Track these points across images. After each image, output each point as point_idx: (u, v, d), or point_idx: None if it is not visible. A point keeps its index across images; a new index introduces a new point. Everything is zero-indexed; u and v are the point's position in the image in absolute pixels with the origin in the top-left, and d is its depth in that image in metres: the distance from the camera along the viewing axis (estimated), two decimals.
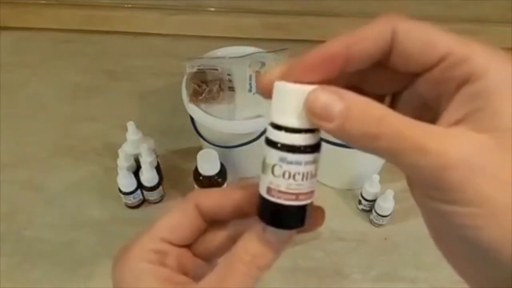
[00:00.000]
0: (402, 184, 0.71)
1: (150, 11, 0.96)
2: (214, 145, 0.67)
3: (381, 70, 0.23)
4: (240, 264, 0.24)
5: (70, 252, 0.67)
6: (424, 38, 0.21)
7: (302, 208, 0.24)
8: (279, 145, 0.22)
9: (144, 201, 0.72)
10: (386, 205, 0.66)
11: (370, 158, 0.69)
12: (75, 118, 0.83)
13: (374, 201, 0.68)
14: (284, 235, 0.25)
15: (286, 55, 0.69)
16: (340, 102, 0.20)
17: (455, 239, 0.20)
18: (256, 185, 0.24)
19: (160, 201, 0.72)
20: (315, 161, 0.23)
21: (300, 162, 0.22)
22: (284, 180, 0.23)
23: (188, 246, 0.28)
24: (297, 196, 0.23)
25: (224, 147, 0.66)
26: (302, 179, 0.23)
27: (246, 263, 0.24)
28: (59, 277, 0.64)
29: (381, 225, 0.69)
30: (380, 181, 0.67)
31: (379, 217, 0.68)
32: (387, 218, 0.68)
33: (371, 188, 0.67)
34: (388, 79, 0.24)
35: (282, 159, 0.22)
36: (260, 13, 0.94)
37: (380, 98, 0.24)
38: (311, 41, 0.97)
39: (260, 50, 0.72)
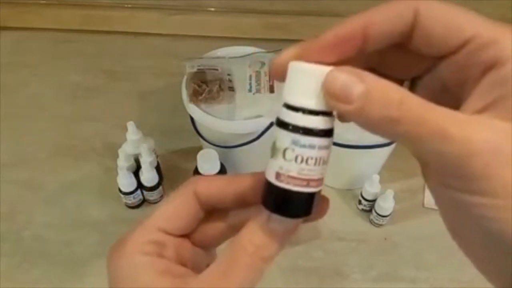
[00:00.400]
0: (402, 184, 0.71)
1: (150, 11, 0.96)
2: (214, 145, 0.67)
3: (402, 53, 0.22)
4: (244, 255, 0.23)
5: (70, 252, 0.67)
6: (448, 19, 0.20)
7: (311, 196, 0.22)
8: (291, 127, 0.21)
9: (144, 201, 0.72)
10: (386, 205, 0.66)
11: (370, 158, 0.69)
12: (75, 118, 0.83)
13: (374, 201, 0.68)
14: (290, 224, 0.23)
15: None
16: (360, 84, 0.19)
17: (475, 231, 0.19)
18: (261, 173, 0.23)
19: (160, 201, 0.72)
20: (328, 147, 0.22)
21: (314, 146, 0.21)
22: (296, 164, 0.21)
23: (186, 236, 0.26)
24: (308, 182, 0.22)
25: (224, 147, 0.66)
26: (315, 164, 0.21)
27: (250, 254, 0.23)
28: (59, 277, 0.64)
29: (381, 225, 0.69)
30: (380, 181, 0.67)
31: (379, 217, 0.68)
32: (387, 218, 0.68)
33: (371, 188, 0.67)
34: (409, 63, 0.23)
35: (295, 142, 0.21)
36: (260, 13, 0.94)
37: (399, 83, 0.23)
38: None
39: (260, 50, 0.72)
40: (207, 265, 0.24)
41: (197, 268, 0.25)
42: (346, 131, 0.61)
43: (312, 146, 0.21)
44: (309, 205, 0.23)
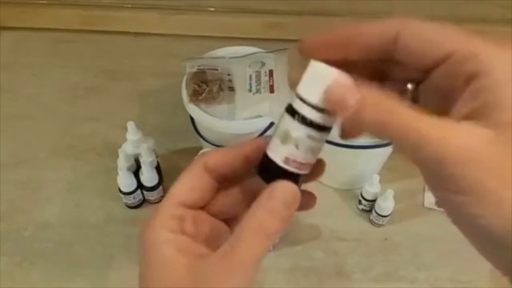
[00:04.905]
0: (402, 184, 0.71)
1: (150, 11, 0.96)
2: (214, 145, 0.67)
3: (396, 62, 0.25)
4: (248, 233, 0.25)
5: (70, 252, 0.67)
6: (426, 38, 0.23)
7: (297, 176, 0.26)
8: (300, 117, 0.25)
9: (144, 201, 0.72)
10: (386, 205, 0.66)
11: (370, 158, 0.69)
12: (75, 118, 0.83)
13: (374, 201, 0.68)
14: (288, 201, 0.25)
15: (286, 55, 0.69)
16: (355, 95, 0.22)
17: (466, 225, 0.22)
18: (259, 139, 0.27)
19: (160, 201, 0.72)
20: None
21: (314, 137, 0.25)
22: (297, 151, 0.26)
23: (203, 208, 0.29)
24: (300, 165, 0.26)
25: None
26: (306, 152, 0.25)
27: (253, 232, 0.25)
28: (59, 277, 0.64)
29: (381, 225, 0.69)
30: (380, 181, 0.67)
31: (379, 217, 0.68)
32: (387, 218, 0.68)
33: (371, 188, 0.67)
34: (404, 70, 0.25)
35: (308, 135, 0.25)
36: (260, 13, 0.94)
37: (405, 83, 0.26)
38: None
39: (260, 50, 0.72)
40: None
41: (217, 242, 0.26)
42: None
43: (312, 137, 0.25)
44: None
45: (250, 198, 0.27)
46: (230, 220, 0.30)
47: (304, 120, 0.24)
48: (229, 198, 0.29)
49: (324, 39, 0.25)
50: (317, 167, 0.27)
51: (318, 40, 0.25)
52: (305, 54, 0.25)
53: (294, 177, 0.25)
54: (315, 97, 0.24)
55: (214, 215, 0.29)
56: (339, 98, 0.22)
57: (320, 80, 0.23)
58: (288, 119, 0.25)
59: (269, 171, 0.26)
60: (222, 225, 0.30)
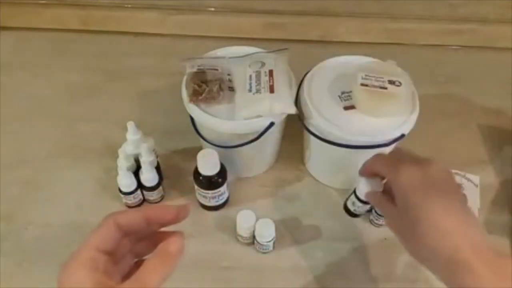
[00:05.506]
0: None
1: (150, 11, 0.96)
2: (214, 145, 0.67)
3: None
4: (149, 268, 0.37)
5: (70, 252, 0.66)
6: (389, 180, 0.53)
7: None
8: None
9: (144, 201, 0.72)
10: None
11: None
12: (75, 118, 0.83)
13: None
14: (176, 250, 0.38)
15: (286, 55, 0.69)
16: (371, 198, 0.58)
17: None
18: (156, 206, 0.44)
19: (160, 201, 0.72)
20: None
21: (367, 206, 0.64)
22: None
23: (111, 253, 0.38)
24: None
25: (224, 147, 0.66)
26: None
27: (152, 268, 0.37)
28: None
29: (381, 225, 0.69)
30: None
31: (379, 217, 0.68)
32: None
33: None
34: None
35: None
36: (260, 13, 0.94)
37: None
38: (311, 41, 0.97)
39: (260, 50, 0.72)
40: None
41: (125, 277, 0.38)
42: (346, 132, 0.61)
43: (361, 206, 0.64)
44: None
45: (146, 244, 0.41)
46: (137, 262, 0.42)
47: (358, 198, 0.61)
48: (130, 245, 0.41)
49: (361, 172, 0.58)
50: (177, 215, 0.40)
51: (361, 172, 0.58)
52: (360, 174, 0.58)
53: (356, 215, 0.66)
54: (361, 194, 0.59)
55: (121, 257, 0.40)
56: (366, 199, 0.58)
57: (364, 186, 0.58)
58: (354, 197, 0.62)
59: (348, 212, 0.65)
60: (130, 265, 0.41)
